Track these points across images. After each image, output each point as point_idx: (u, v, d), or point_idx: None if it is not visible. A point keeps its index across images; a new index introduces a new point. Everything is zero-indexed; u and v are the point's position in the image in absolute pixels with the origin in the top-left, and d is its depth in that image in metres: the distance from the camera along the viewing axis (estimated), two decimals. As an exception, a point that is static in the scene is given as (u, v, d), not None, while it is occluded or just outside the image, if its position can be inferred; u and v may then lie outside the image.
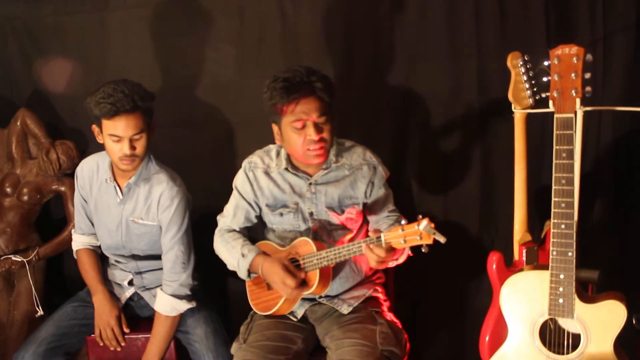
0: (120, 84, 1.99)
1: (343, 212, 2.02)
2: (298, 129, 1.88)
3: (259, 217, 2.12)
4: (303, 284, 1.90)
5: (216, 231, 2.14)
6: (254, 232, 2.17)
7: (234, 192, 2.11)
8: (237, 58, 2.60)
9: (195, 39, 2.61)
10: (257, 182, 2.05)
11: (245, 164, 2.10)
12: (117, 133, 1.99)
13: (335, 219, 2.01)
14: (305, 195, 2.02)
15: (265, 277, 1.96)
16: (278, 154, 2.06)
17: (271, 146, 2.11)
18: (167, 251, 2.13)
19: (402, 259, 1.96)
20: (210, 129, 2.68)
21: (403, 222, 1.72)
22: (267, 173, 2.05)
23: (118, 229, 2.18)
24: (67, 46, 2.71)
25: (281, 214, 2.03)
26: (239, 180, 2.10)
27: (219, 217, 2.17)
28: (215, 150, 2.69)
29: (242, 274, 2.01)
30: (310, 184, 2.01)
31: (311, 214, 2.02)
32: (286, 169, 2.01)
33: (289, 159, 2.02)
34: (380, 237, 1.76)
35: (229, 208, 2.13)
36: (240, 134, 2.65)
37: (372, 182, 2.03)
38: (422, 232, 1.67)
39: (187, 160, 2.59)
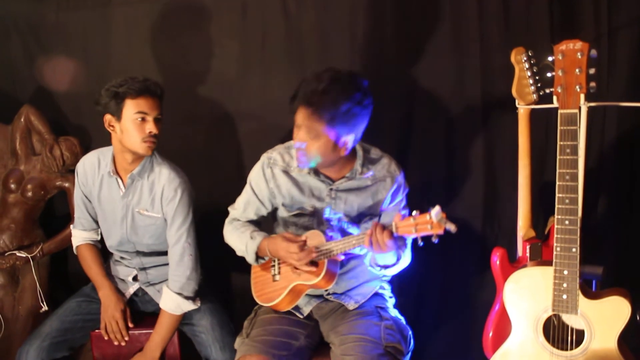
0: (139, 77, 2.06)
1: (360, 221, 2.00)
2: (294, 128, 1.90)
3: (271, 214, 2.11)
4: (305, 248, 1.87)
5: (226, 220, 2.14)
6: (265, 227, 2.14)
7: (247, 187, 2.09)
8: (240, 55, 2.60)
9: (199, 35, 2.61)
10: (275, 180, 2.02)
11: (264, 158, 2.06)
12: (145, 109, 2.02)
13: (351, 229, 1.99)
14: (324, 200, 1.99)
15: (274, 255, 1.96)
16: None
17: (292, 142, 2.05)
18: (174, 244, 2.13)
19: (398, 267, 1.96)
20: (213, 126, 2.68)
21: (415, 212, 1.71)
22: (286, 172, 2.02)
23: (123, 222, 2.19)
24: (70, 42, 2.71)
25: (297, 215, 2.02)
26: (254, 176, 2.07)
27: (230, 208, 2.16)
28: (218, 146, 2.69)
29: (250, 257, 2.01)
30: (331, 189, 1.99)
31: (328, 219, 2.00)
32: (308, 173, 1.99)
33: None
34: (391, 224, 1.75)
35: (240, 202, 2.12)
36: (243, 130, 2.65)
37: (391, 195, 2.01)
38: (433, 222, 1.66)
39: (190, 157, 2.59)
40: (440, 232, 1.66)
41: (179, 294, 2.10)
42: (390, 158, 2.05)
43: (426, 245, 1.73)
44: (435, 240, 1.68)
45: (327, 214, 1.99)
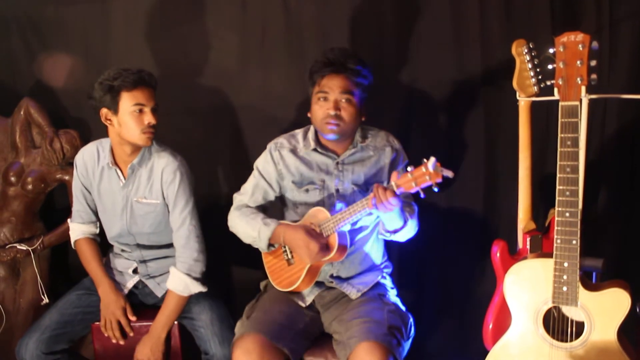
0: (132, 69, 2.05)
1: (368, 190, 2.05)
2: (320, 101, 2.00)
3: (279, 197, 2.16)
4: (325, 249, 1.93)
5: (232, 208, 2.16)
6: (271, 214, 2.15)
7: (255, 172, 2.15)
8: (240, 48, 2.59)
9: (198, 28, 2.60)
10: (284, 160, 2.10)
11: (270, 145, 2.14)
12: (142, 101, 2.03)
13: (360, 196, 2.03)
14: (332, 173, 2.07)
15: (289, 244, 1.99)
16: (305, 136, 2.12)
17: (296, 131, 2.17)
18: (179, 227, 2.13)
19: (406, 231, 1.99)
20: (213, 119, 2.67)
21: (410, 168, 1.75)
22: (294, 152, 2.11)
23: (123, 213, 2.19)
24: (69, 36, 2.70)
25: (307, 191, 2.08)
26: (261, 161, 2.14)
27: (235, 195, 2.19)
28: (218, 140, 2.69)
29: (263, 243, 2.03)
30: (337, 163, 2.07)
31: (337, 190, 2.06)
32: (315, 149, 2.07)
33: (316, 140, 2.08)
34: (391, 183, 1.79)
35: (247, 187, 2.16)
36: (243, 122, 2.65)
37: (393, 165, 2.10)
38: (430, 172, 1.69)
39: (189, 150, 2.57)
40: (439, 180, 1.70)
41: (188, 274, 2.11)
42: (387, 132, 2.17)
43: (429, 203, 1.72)
44: (435, 189, 1.72)
45: (336, 185, 2.06)
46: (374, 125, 2.19)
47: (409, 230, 2.01)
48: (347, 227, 1.95)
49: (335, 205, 2.00)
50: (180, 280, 2.11)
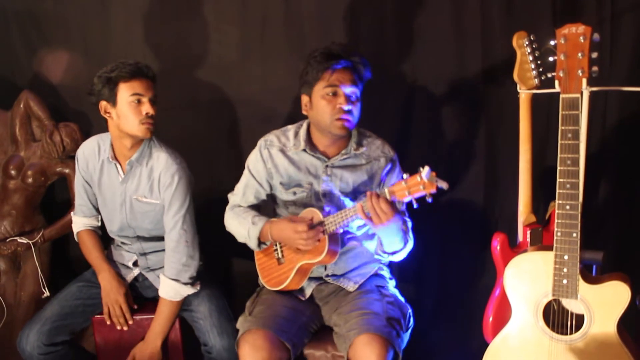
0: (129, 60, 2.06)
1: (356, 198, 2.02)
2: (329, 96, 1.93)
3: (270, 196, 2.13)
4: (314, 227, 1.89)
5: (227, 208, 2.16)
6: (265, 212, 2.15)
7: (245, 171, 2.13)
8: (240, 41, 2.59)
9: (198, 21, 2.59)
10: (272, 159, 2.06)
11: (261, 142, 2.10)
12: (140, 91, 2.03)
13: (348, 203, 2.01)
14: (320, 177, 2.03)
15: (278, 238, 1.98)
16: (296, 134, 2.07)
17: (289, 127, 2.12)
18: (170, 230, 2.13)
19: (405, 251, 1.98)
20: (213, 111, 2.67)
21: (405, 175, 1.72)
22: (283, 151, 2.06)
23: (122, 208, 2.19)
24: (69, 30, 2.69)
25: (294, 193, 2.05)
26: (252, 160, 2.11)
27: (229, 195, 2.18)
28: (218, 132, 2.69)
29: (253, 242, 2.03)
30: (327, 166, 2.03)
31: (324, 194, 2.03)
32: (304, 150, 2.03)
33: (307, 140, 2.04)
34: (384, 190, 1.76)
35: (239, 187, 2.15)
36: (243, 116, 2.65)
37: (386, 175, 2.06)
38: (424, 182, 1.66)
39: (190, 143, 2.58)
40: (433, 190, 1.67)
41: (176, 280, 2.11)
42: (384, 141, 2.11)
43: (424, 220, 1.72)
44: (429, 199, 1.69)
45: (324, 189, 2.03)
46: (374, 118, 2.19)
47: (406, 251, 1.99)
48: (339, 230, 1.92)
49: (324, 208, 1.96)
50: (169, 287, 2.11)
